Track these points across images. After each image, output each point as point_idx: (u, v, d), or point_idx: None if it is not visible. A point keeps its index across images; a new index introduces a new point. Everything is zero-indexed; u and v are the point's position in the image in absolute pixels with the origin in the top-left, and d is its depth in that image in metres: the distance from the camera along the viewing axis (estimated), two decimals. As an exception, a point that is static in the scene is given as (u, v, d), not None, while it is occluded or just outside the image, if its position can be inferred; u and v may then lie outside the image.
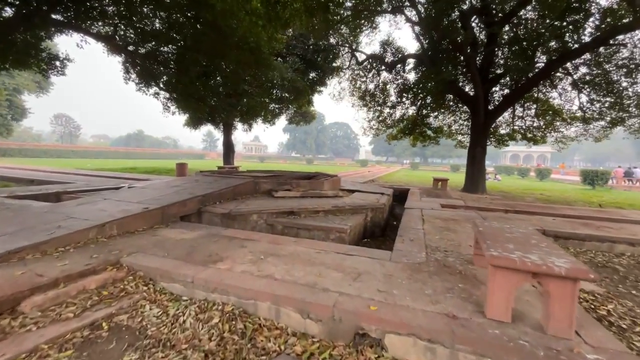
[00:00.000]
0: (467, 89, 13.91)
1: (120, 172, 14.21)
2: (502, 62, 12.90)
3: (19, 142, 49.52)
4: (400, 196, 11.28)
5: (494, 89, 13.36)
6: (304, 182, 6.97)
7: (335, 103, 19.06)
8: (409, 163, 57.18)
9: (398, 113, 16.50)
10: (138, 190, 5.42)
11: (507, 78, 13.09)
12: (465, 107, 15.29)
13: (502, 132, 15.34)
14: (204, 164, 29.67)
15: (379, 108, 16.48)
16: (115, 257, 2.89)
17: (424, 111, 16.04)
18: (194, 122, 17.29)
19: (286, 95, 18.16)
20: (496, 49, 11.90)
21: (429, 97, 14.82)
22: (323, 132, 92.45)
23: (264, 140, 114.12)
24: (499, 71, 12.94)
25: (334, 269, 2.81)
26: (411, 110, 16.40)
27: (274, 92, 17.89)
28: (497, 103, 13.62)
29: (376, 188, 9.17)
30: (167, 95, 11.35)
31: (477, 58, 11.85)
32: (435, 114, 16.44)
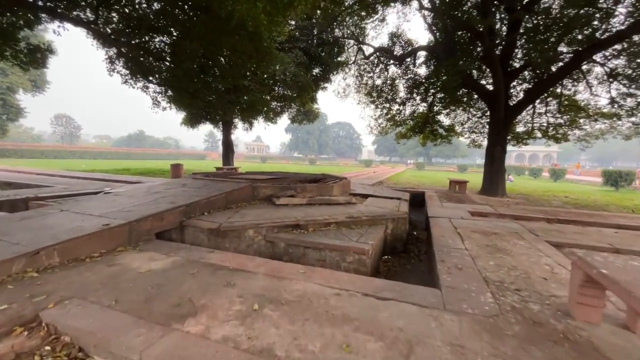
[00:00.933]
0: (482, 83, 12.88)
1: (112, 173, 13.29)
2: (522, 53, 11.90)
3: (18, 142, 48.89)
4: (414, 200, 10.31)
5: (513, 83, 12.31)
6: (310, 186, 5.98)
7: (339, 101, 18.09)
8: (414, 163, 55.89)
9: (408, 110, 15.48)
10: (109, 198, 4.45)
11: (526, 72, 12.09)
12: (480, 103, 14.30)
13: (520, 129, 14.32)
14: (203, 165, 28.80)
15: (387, 105, 15.46)
16: (33, 310, 1.91)
17: (436, 108, 15.02)
18: (192, 120, 16.34)
19: (288, 92, 17.25)
20: (517, 39, 10.85)
21: (441, 93, 13.81)
22: (325, 132, 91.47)
23: (266, 141, 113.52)
24: (517, 65, 11.92)
25: (367, 330, 1.81)
26: (422, 107, 15.38)
27: (276, 88, 16.97)
28: (517, 98, 12.61)
29: (391, 192, 8.16)
30: (157, 89, 10.38)
31: (496, 49, 10.80)
32: (447, 110, 15.41)
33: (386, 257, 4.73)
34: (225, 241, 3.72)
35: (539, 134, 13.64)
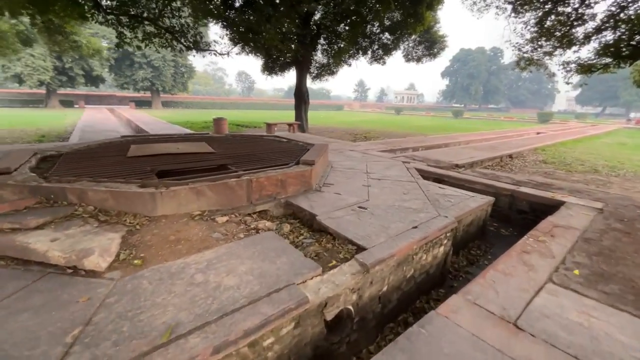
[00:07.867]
0: None
1: (186, 126, 13.78)
2: None
3: (214, 96, 64.11)
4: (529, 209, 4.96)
5: None
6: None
7: (475, 18, 11.24)
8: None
9: (598, 11, 7.59)
10: None
11: None
12: None
13: None
14: (337, 117, 27.99)
15: (549, 6, 8.02)
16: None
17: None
18: (267, 67, 14.59)
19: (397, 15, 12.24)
20: None
21: None
22: (497, 75, 70.45)
23: (421, 89, 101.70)
24: None
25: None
26: (633, 8, 7.11)
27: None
28: None
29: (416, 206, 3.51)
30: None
31: None
32: None
33: None
34: None
35: None
